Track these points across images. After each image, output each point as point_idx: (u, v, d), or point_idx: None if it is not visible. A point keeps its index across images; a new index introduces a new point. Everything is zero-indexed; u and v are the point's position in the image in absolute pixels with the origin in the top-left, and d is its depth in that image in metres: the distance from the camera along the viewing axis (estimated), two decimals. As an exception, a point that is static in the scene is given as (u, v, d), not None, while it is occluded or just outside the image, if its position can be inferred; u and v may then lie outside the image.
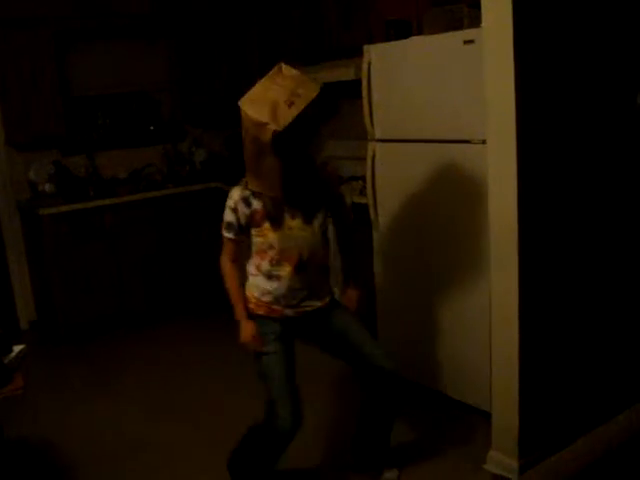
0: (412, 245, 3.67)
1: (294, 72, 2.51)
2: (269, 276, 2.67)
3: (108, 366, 4.60)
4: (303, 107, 2.37)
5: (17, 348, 2.67)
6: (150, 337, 5.10)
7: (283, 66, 2.53)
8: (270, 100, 2.39)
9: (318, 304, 2.78)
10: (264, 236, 2.63)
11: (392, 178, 3.73)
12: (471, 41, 3.07)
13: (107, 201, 5.11)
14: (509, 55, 2.56)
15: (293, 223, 2.63)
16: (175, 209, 5.40)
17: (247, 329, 2.71)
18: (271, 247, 2.63)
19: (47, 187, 5.26)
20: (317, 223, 2.67)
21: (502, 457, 2.93)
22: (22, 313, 5.46)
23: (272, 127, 2.34)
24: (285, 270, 2.64)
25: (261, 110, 2.37)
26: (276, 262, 2.64)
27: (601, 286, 3.14)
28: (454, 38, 3.19)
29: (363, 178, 4.06)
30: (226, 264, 2.76)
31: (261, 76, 2.55)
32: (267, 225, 2.61)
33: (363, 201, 3.99)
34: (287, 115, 2.35)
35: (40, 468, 3.37)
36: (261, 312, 2.73)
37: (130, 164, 5.70)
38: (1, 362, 2.48)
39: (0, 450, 2.89)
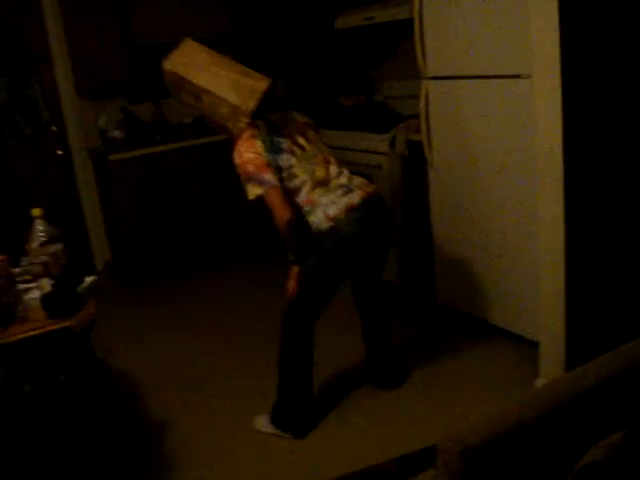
0: (465, 180, 3.70)
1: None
2: None
3: (178, 302, 4.84)
4: None
5: (89, 279, 2.85)
6: (216, 275, 5.31)
7: None
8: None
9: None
10: None
11: (445, 115, 3.75)
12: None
13: (173, 145, 5.27)
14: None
15: None
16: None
17: None
18: None
19: (116, 134, 5.45)
20: None
21: (550, 384, 3.01)
22: (97, 254, 5.77)
23: None
24: None
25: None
26: None
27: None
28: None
29: (420, 116, 4.09)
30: None
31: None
32: None
33: (418, 138, 4.04)
34: None
35: (112, 395, 3.59)
36: None
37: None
38: (74, 291, 2.67)
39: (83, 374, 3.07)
